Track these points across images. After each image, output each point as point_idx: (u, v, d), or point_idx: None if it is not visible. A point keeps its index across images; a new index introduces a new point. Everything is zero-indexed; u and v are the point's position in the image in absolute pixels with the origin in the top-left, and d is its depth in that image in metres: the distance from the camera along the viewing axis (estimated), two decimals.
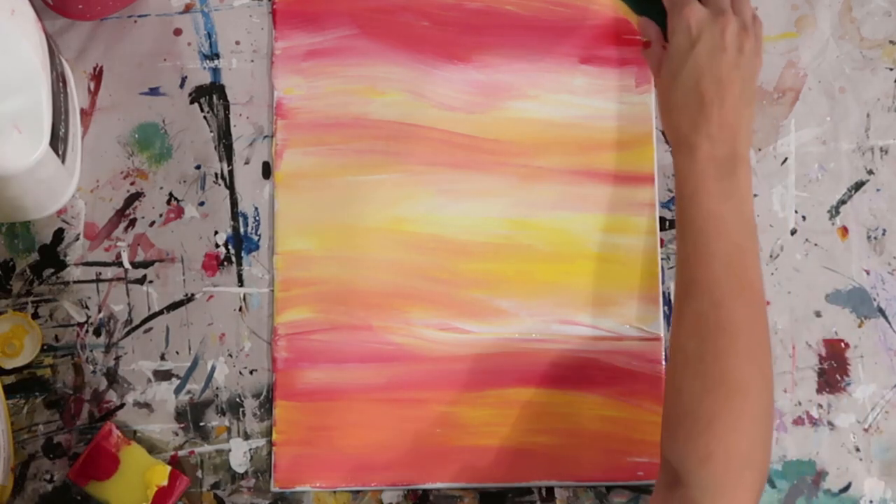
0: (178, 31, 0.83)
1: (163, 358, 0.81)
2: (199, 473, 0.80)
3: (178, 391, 0.80)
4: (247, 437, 0.80)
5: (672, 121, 0.74)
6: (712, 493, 0.66)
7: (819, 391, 0.82)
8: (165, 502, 0.77)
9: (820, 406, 0.82)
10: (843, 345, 0.83)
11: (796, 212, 0.84)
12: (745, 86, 0.72)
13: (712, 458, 0.66)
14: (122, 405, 0.80)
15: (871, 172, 0.84)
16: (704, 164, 0.71)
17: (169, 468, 0.77)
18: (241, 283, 0.81)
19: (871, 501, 0.81)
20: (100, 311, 0.81)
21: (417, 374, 0.80)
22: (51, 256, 0.81)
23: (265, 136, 0.83)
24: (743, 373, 0.67)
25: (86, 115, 0.82)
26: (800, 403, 0.82)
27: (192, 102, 0.83)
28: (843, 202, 0.84)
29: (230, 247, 0.82)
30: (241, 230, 0.82)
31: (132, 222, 0.82)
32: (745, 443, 0.66)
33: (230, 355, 0.81)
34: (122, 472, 0.77)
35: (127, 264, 0.81)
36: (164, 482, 0.77)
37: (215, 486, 0.80)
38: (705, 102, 0.71)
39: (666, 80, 0.74)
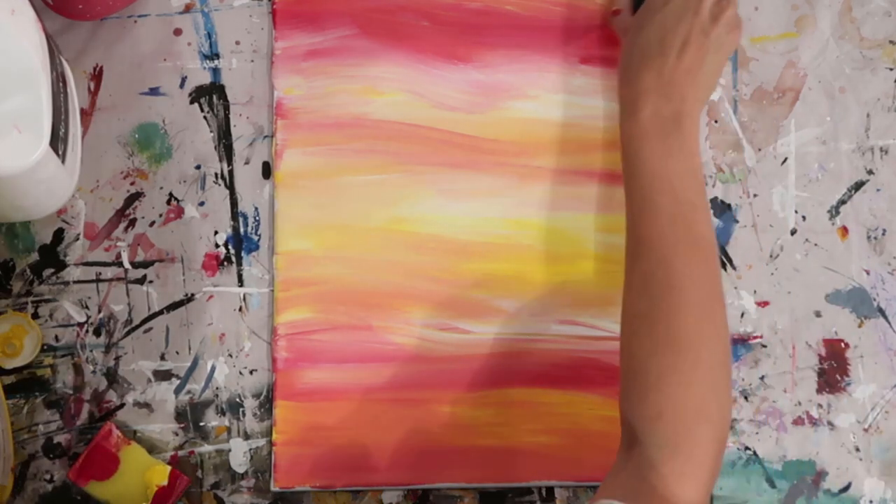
0: (178, 31, 0.83)
1: (163, 358, 0.81)
2: (199, 473, 0.80)
3: (178, 391, 0.80)
4: (247, 437, 0.80)
5: (627, 77, 0.73)
6: (666, 449, 0.65)
7: (819, 391, 0.82)
8: (165, 502, 0.77)
9: (820, 406, 0.82)
10: (843, 345, 0.83)
11: (796, 212, 0.84)
12: (712, 56, 0.71)
13: (663, 415, 0.65)
14: (122, 405, 0.80)
15: (871, 172, 0.84)
16: (648, 123, 0.70)
17: (169, 468, 0.77)
18: (241, 283, 0.81)
19: (871, 501, 0.81)
20: (100, 311, 0.81)
21: (417, 374, 0.80)
22: (51, 256, 0.81)
23: (265, 136, 0.83)
24: (692, 329, 0.66)
25: (86, 115, 0.82)
26: (800, 403, 0.82)
27: (192, 102, 0.83)
28: (843, 202, 0.84)
29: (230, 247, 0.82)
30: (241, 230, 0.82)
31: (132, 222, 0.82)
32: (697, 399, 0.66)
33: (230, 355, 0.81)
34: (122, 472, 0.77)
35: (127, 264, 0.81)
36: (164, 482, 0.77)
37: (215, 486, 0.80)
38: (663, 55, 0.70)
39: (631, 36, 0.73)
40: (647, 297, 0.68)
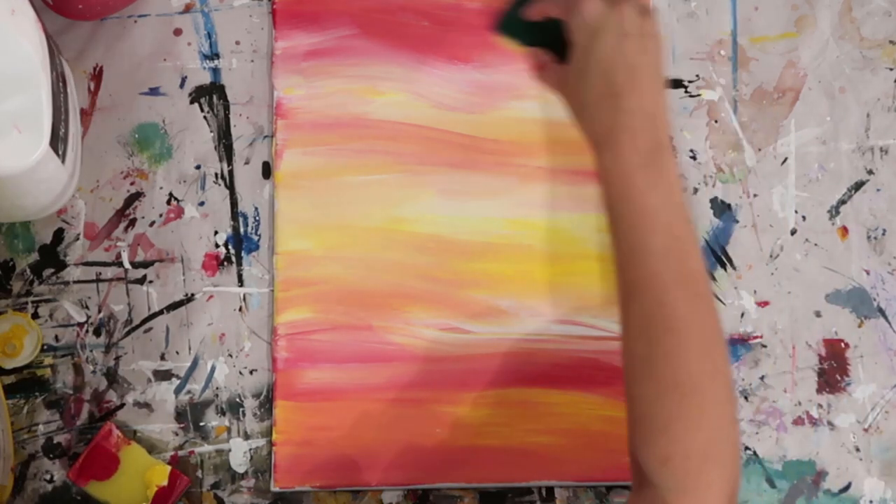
0: (178, 31, 0.83)
1: (163, 358, 0.81)
2: (199, 473, 0.80)
3: (178, 391, 0.80)
4: (247, 437, 0.80)
5: (588, 120, 0.70)
6: (676, 492, 0.65)
7: (819, 391, 0.82)
8: (165, 502, 0.77)
9: (820, 406, 0.82)
10: (843, 345, 0.83)
11: (796, 212, 0.84)
12: (656, 70, 0.69)
13: (671, 460, 0.65)
14: (122, 405, 0.80)
15: (871, 172, 0.84)
16: (628, 158, 0.67)
17: (169, 468, 0.77)
18: (241, 283, 0.81)
19: (871, 501, 0.81)
20: (100, 311, 0.81)
21: (417, 374, 0.80)
22: (51, 256, 0.81)
23: (265, 136, 0.83)
24: (695, 371, 0.65)
25: (86, 115, 0.82)
26: (800, 403, 0.82)
27: (192, 102, 0.83)
28: (843, 202, 0.84)
29: (230, 247, 0.82)
30: (241, 230, 0.82)
31: (132, 222, 0.82)
32: (704, 441, 0.65)
33: (230, 355, 0.81)
34: (122, 472, 0.77)
35: (127, 264, 0.81)
36: (164, 482, 0.77)
37: (215, 486, 0.80)
38: (620, 92, 0.68)
39: (573, 82, 0.71)
40: (646, 340, 0.67)
